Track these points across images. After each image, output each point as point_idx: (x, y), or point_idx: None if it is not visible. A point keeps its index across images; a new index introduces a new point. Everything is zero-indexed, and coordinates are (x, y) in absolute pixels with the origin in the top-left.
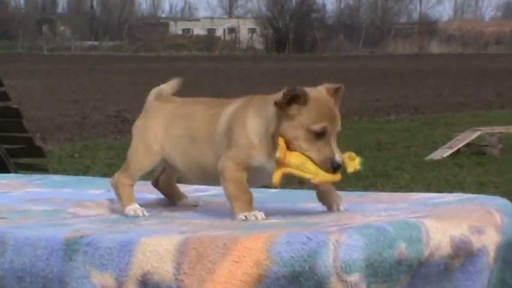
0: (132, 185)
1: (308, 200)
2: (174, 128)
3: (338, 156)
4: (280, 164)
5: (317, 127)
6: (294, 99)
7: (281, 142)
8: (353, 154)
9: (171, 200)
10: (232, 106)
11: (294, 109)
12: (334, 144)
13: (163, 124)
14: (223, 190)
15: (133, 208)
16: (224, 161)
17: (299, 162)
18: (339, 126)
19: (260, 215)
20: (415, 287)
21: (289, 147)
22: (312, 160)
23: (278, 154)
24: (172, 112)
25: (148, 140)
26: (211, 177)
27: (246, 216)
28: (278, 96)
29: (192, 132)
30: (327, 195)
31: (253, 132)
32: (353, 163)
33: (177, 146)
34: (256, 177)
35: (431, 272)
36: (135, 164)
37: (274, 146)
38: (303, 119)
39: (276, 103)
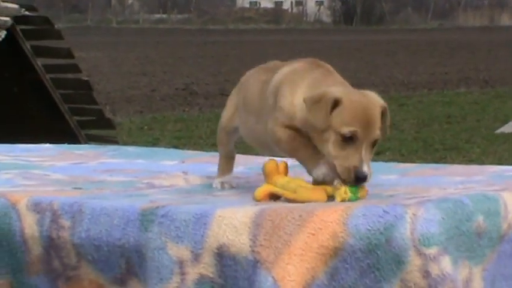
0: (225, 156)
1: (385, 171)
2: (239, 99)
3: (366, 167)
4: (268, 180)
5: (345, 131)
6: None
7: (269, 165)
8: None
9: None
10: (288, 67)
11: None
12: (365, 154)
13: (237, 95)
14: (281, 151)
15: (220, 181)
16: (270, 125)
17: (285, 181)
18: (374, 134)
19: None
20: (504, 266)
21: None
22: (335, 168)
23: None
24: (245, 81)
25: (226, 113)
26: (270, 146)
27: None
28: (308, 96)
29: (247, 100)
30: None
31: (300, 103)
32: (340, 192)
33: (239, 117)
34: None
35: None
36: (218, 137)
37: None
38: (334, 120)
39: (304, 101)
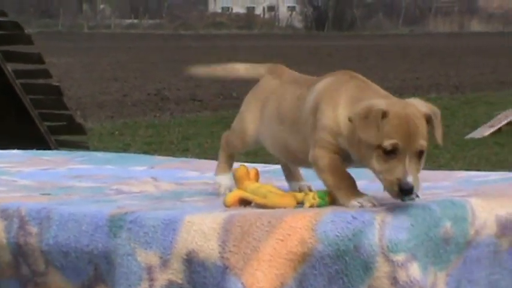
0: (229, 156)
1: (355, 177)
2: (267, 109)
3: (410, 178)
4: (239, 185)
5: (386, 144)
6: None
7: (240, 171)
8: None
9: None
10: (323, 83)
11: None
12: (410, 165)
13: (261, 103)
14: (322, 182)
15: (220, 179)
16: (313, 150)
17: (255, 187)
18: (417, 145)
19: (374, 200)
20: (469, 272)
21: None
22: (381, 180)
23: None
24: (272, 90)
25: (244, 119)
26: (300, 161)
27: (360, 203)
28: (353, 113)
29: (280, 113)
30: None
31: (343, 120)
32: (309, 198)
33: (267, 127)
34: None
35: (482, 254)
36: (229, 143)
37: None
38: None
39: (349, 120)
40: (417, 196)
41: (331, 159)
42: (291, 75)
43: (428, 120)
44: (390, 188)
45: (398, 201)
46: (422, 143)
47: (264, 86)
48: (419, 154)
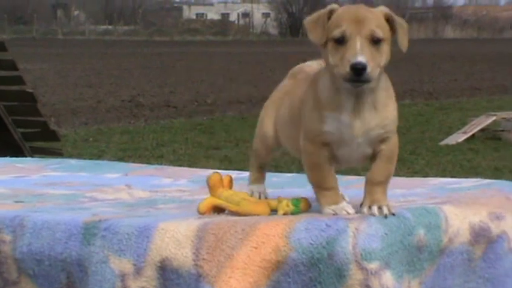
0: (258, 166)
1: None
2: (281, 109)
3: (361, 58)
4: (212, 193)
5: (335, 33)
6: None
7: (213, 178)
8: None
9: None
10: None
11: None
12: (361, 48)
13: (277, 105)
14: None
15: (252, 187)
16: (301, 142)
17: (229, 194)
18: (368, 29)
19: (350, 208)
20: (443, 279)
21: None
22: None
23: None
24: (286, 91)
25: (263, 124)
26: None
27: (334, 210)
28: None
29: (291, 110)
30: (367, 192)
31: (322, 87)
32: (282, 205)
33: (283, 127)
34: (341, 151)
35: (456, 262)
36: (255, 151)
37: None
38: (328, 31)
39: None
40: (368, 81)
41: (316, 157)
42: (306, 73)
43: (389, 20)
44: (343, 72)
45: (353, 86)
46: (375, 28)
47: (279, 89)
48: (374, 41)
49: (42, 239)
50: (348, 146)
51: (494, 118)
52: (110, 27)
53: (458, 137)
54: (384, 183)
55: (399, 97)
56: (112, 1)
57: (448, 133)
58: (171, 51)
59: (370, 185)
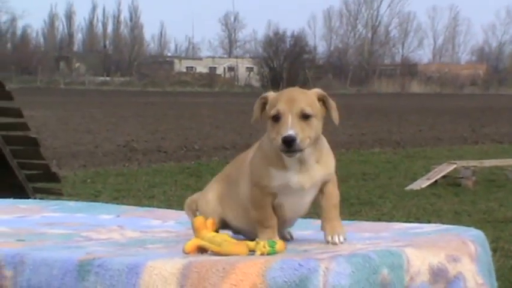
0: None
1: (301, 227)
2: (220, 188)
3: (291, 131)
4: (197, 234)
5: (272, 112)
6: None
7: (198, 221)
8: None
9: None
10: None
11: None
12: (293, 122)
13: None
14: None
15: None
16: (249, 189)
17: (211, 236)
18: (299, 108)
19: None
20: None
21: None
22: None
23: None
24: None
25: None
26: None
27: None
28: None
29: (230, 180)
30: (326, 225)
31: (266, 146)
32: (260, 246)
33: (222, 202)
34: (289, 202)
35: None
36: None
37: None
38: (267, 114)
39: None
40: (299, 151)
41: (263, 201)
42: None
43: (322, 99)
44: (278, 144)
45: (286, 156)
46: (304, 106)
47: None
48: (305, 116)
49: (41, 275)
50: (297, 196)
51: (455, 166)
52: (107, 78)
53: (422, 183)
54: (337, 206)
55: (369, 145)
56: (110, 55)
57: (413, 179)
58: (162, 101)
59: (327, 208)
